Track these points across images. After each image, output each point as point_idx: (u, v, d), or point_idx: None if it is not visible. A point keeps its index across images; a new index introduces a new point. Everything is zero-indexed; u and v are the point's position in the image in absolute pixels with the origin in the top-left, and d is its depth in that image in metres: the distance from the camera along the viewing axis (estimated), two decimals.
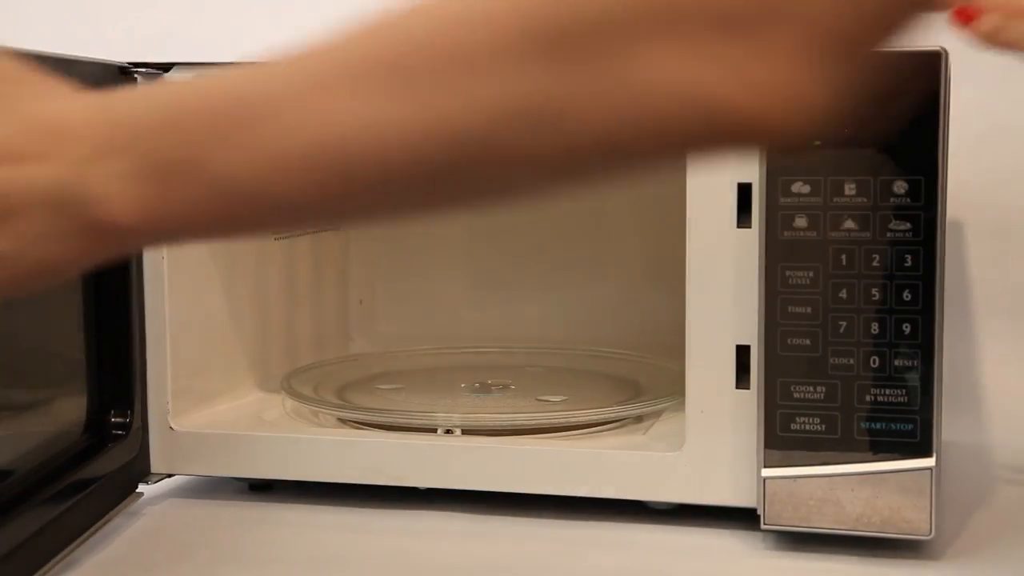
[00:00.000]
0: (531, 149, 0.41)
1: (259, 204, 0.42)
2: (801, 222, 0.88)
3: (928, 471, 0.87)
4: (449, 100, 0.40)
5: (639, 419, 1.05)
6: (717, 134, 0.41)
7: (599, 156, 0.42)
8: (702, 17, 0.40)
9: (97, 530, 0.94)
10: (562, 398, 1.09)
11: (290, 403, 1.11)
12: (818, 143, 0.87)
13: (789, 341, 0.89)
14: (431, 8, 0.41)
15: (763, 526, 0.90)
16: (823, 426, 0.89)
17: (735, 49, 0.40)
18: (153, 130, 0.43)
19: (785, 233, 0.88)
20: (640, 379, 1.14)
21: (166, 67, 1.00)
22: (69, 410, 0.94)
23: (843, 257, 0.87)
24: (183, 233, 0.45)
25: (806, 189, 0.88)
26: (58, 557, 0.87)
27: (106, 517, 0.96)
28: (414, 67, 0.40)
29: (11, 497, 0.83)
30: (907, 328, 0.87)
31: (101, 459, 0.95)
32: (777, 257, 0.89)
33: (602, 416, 1.04)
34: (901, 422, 0.87)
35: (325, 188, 0.41)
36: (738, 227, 0.91)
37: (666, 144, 0.42)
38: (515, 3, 0.40)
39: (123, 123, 0.44)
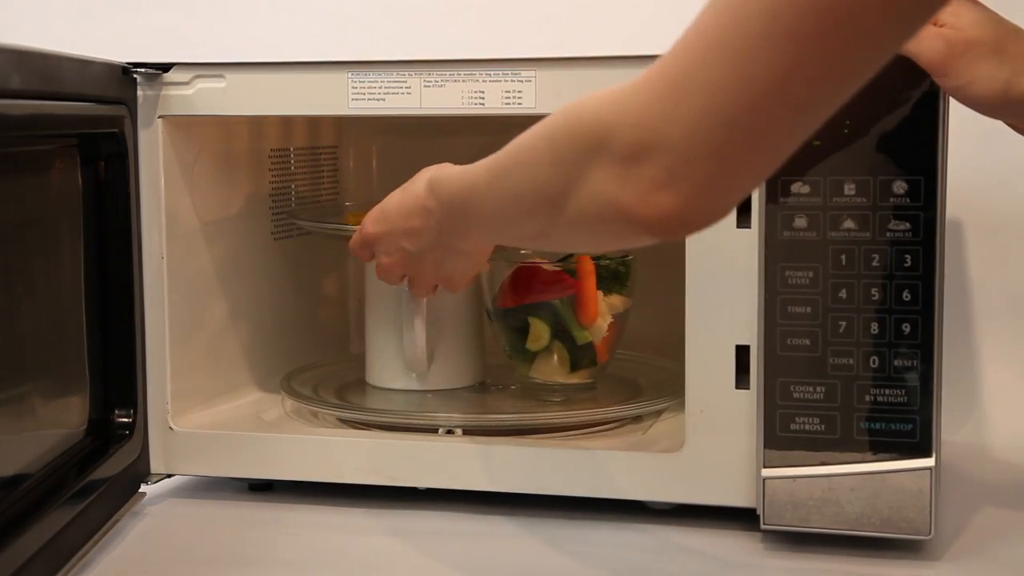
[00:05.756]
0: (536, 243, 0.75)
1: (490, 228, 0.77)
2: (801, 222, 0.88)
3: (928, 471, 0.87)
4: (513, 192, 0.69)
5: (639, 419, 1.05)
6: (633, 233, 0.61)
7: (575, 246, 0.91)
8: (617, 155, 0.60)
9: (108, 530, 0.94)
10: (562, 398, 1.09)
11: (290, 403, 1.11)
12: (818, 143, 0.87)
13: (789, 341, 0.89)
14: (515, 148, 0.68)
15: (763, 526, 0.90)
16: (823, 426, 0.89)
17: (639, 173, 0.59)
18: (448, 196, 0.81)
19: (785, 233, 0.88)
20: (640, 379, 1.14)
21: (166, 67, 1.00)
22: (73, 412, 0.94)
23: (843, 257, 0.87)
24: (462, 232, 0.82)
25: (806, 189, 0.88)
26: (75, 558, 0.87)
27: (115, 517, 0.96)
28: (504, 167, 0.70)
29: (32, 500, 0.84)
30: (907, 328, 0.87)
31: (109, 459, 0.95)
32: (777, 257, 0.89)
33: (601, 416, 1.04)
34: (901, 422, 0.87)
35: (502, 224, 0.73)
36: (738, 227, 0.91)
37: (605, 238, 0.66)
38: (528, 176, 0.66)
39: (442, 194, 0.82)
